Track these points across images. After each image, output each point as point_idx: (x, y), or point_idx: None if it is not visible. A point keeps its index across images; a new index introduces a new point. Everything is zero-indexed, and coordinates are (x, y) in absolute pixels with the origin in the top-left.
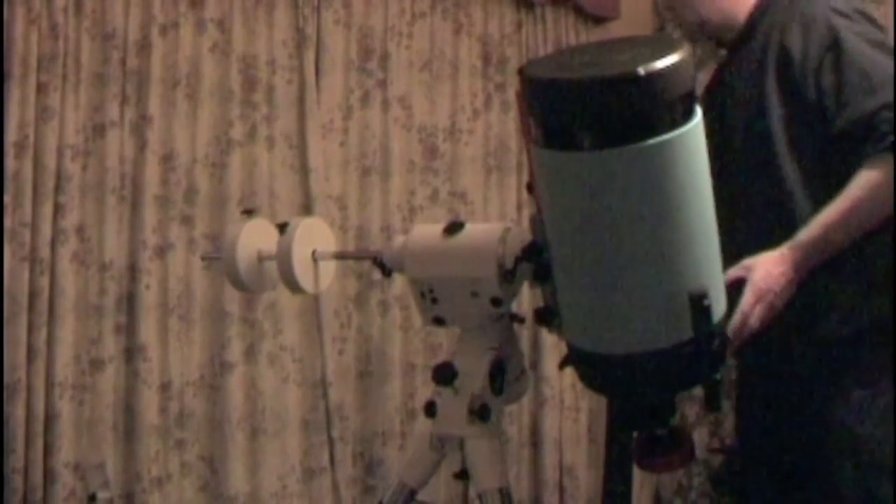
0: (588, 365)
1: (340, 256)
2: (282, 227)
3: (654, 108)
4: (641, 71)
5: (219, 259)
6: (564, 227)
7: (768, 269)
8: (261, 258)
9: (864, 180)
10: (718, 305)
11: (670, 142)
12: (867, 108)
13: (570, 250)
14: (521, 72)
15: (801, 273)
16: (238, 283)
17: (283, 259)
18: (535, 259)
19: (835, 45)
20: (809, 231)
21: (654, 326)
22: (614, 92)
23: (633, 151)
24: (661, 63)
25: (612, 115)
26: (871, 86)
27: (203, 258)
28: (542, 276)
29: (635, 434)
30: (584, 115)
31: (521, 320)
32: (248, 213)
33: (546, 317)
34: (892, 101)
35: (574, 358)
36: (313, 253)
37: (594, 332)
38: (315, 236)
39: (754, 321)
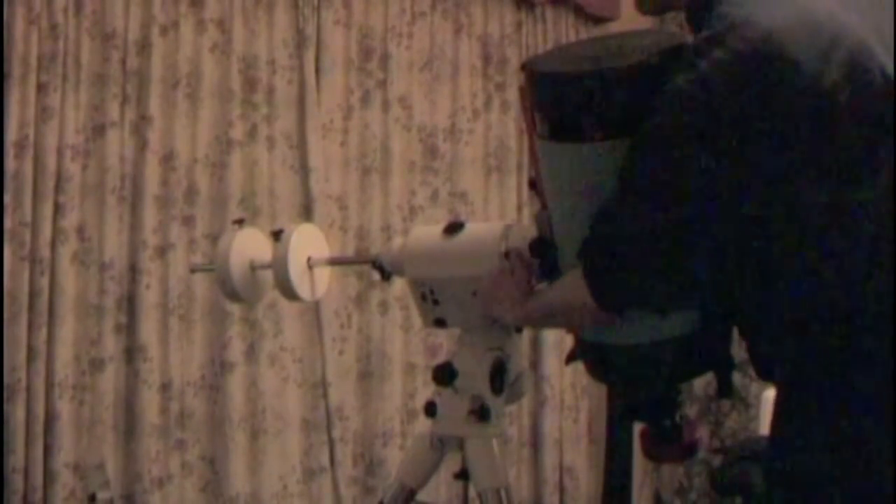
0: (598, 357)
1: (336, 262)
2: (276, 235)
3: None
4: (653, 61)
5: (211, 270)
6: (574, 219)
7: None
8: (254, 268)
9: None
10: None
11: None
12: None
13: (581, 243)
14: (524, 67)
15: (523, 309)
16: (233, 295)
17: (280, 268)
18: (541, 254)
19: (643, 134)
20: (544, 293)
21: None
22: (626, 82)
23: None
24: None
25: (624, 106)
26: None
27: (193, 270)
28: (550, 271)
29: (641, 426)
30: (596, 106)
31: None
32: (239, 222)
33: None
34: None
35: (583, 351)
36: (308, 260)
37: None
38: (309, 242)
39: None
